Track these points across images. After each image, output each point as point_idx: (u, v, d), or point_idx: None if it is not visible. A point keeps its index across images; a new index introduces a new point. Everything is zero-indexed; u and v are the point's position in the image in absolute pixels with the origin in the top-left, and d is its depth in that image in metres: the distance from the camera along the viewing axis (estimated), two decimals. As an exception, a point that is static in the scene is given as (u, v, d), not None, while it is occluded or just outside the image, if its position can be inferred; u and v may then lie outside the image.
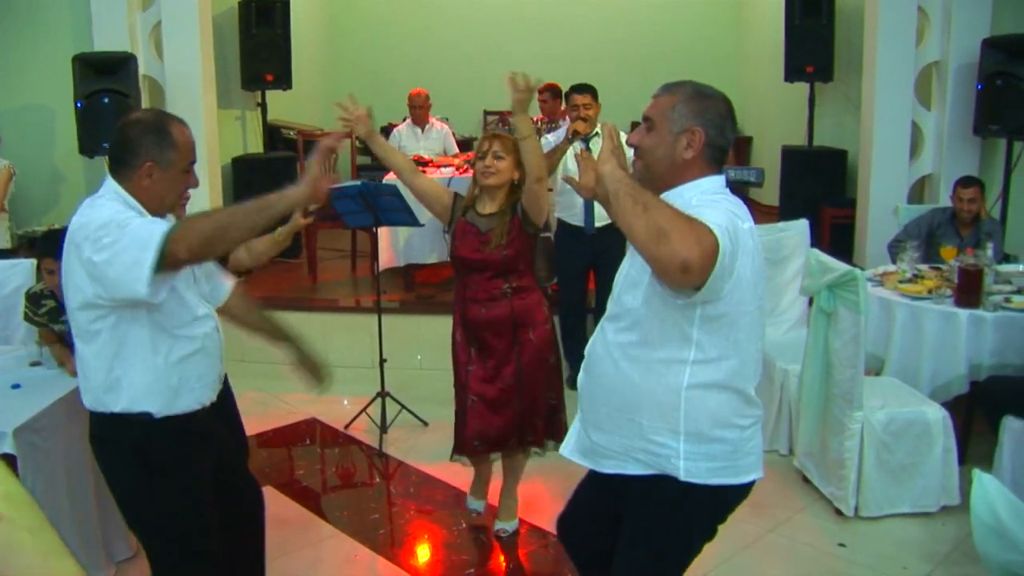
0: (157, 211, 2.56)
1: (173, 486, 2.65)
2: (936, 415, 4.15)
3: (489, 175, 3.66)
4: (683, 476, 2.29)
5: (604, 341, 2.43)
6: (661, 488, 2.34)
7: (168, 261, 2.31)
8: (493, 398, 3.83)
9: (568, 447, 2.60)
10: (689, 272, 1.94)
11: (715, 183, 2.29)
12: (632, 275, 2.33)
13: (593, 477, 2.62)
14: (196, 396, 2.68)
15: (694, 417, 2.26)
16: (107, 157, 2.62)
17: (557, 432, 3.94)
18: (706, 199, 2.20)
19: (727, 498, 2.38)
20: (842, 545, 3.96)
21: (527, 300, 3.80)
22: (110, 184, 2.55)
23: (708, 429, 2.27)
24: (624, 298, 2.35)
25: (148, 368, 2.55)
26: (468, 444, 3.88)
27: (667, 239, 1.91)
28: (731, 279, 2.08)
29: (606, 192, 2.07)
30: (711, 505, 2.37)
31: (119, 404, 2.56)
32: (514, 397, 3.83)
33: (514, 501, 4.15)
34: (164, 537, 2.68)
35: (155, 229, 2.33)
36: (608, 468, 2.44)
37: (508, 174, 3.67)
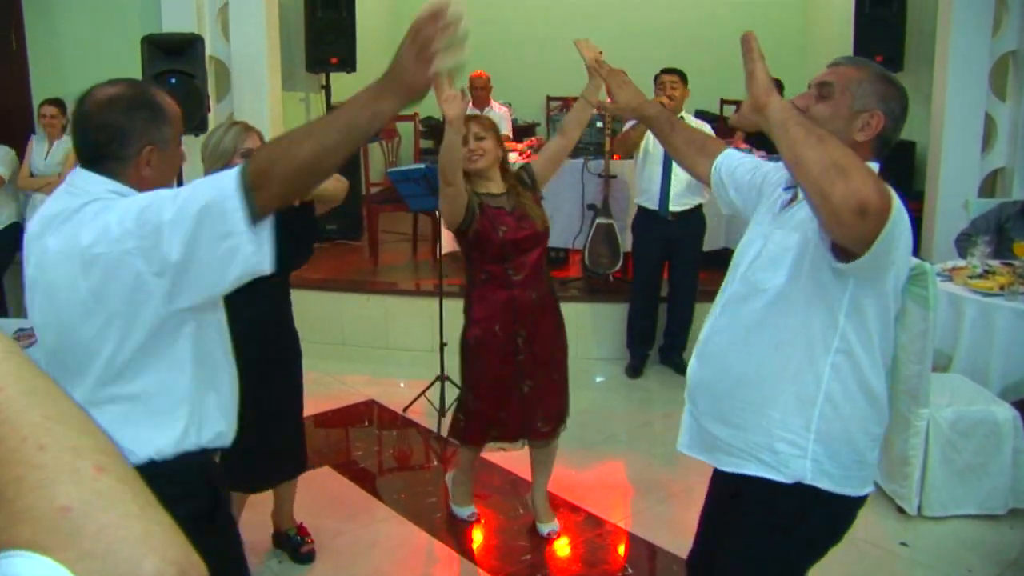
0: None
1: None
2: (1006, 415, 4.05)
3: (477, 158, 3.60)
4: (809, 479, 2.12)
5: (731, 326, 2.23)
6: (782, 499, 2.17)
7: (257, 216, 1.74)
8: (551, 380, 3.79)
9: (684, 443, 2.40)
10: (866, 215, 1.75)
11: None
12: (772, 252, 2.16)
13: (710, 504, 2.52)
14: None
15: (829, 417, 2.10)
16: (79, 152, 2.03)
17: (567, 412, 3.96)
18: None
19: (850, 511, 2.22)
20: (904, 544, 3.89)
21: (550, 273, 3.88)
22: (95, 182, 1.96)
23: (842, 432, 2.11)
24: (759, 276, 2.17)
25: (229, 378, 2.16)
26: (533, 428, 3.80)
27: (846, 175, 1.75)
28: (893, 256, 1.95)
29: (766, 123, 1.89)
30: (833, 518, 2.21)
31: (208, 432, 2.07)
32: (564, 376, 3.87)
33: (549, 500, 4.09)
34: None
35: (222, 185, 1.73)
36: (727, 466, 2.26)
37: (494, 152, 3.63)
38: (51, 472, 0.70)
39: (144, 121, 1.98)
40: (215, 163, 3.15)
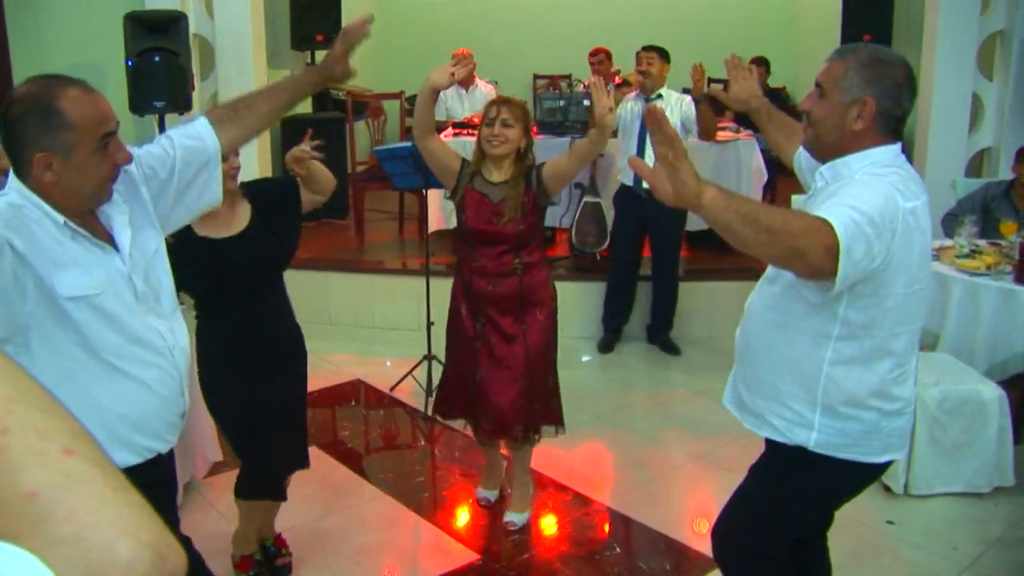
0: (80, 206, 2.01)
1: None
2: (992, 394, 4.07)
3: (497, 144, 3.49)
4: (813, 446, 2.32)
5: (760, 302, 2.43)
6: (787, 452, 2.38)
7: None
8: (501, 379, 3.67)
9: (726, 397, 2.61)
10: (823, 274, 2.00)
11: (887, 154, 2.22)
12: None
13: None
14: (128, 448, 2.11)
15: (832, 393, 2.27)
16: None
17: (554, 417, 3.83)
18: (872, 171, 2.16)
19: (855, 473, 2.39)
20: (890, 523, 3.90)
21: (535, 277, 3.63)
22: (12, 180, 2.00)
23: (844, 407, 2.28)
24: None
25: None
26: (479, 423, 3.77)
27: (803, 257, 1.96)
28: (873, 262, 2.05)
29: (706, 218, 1.94)
30: (834, 477, 2.39)
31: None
32: (521, 378, 3.65)
33: (527, 490, 3.99)
34: None
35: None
36: (748, 424, 2.49)
37: (516, 143, 3.51)
38: (16, 455, 0.68)
39: (35, 127, 1.90)
40: None
